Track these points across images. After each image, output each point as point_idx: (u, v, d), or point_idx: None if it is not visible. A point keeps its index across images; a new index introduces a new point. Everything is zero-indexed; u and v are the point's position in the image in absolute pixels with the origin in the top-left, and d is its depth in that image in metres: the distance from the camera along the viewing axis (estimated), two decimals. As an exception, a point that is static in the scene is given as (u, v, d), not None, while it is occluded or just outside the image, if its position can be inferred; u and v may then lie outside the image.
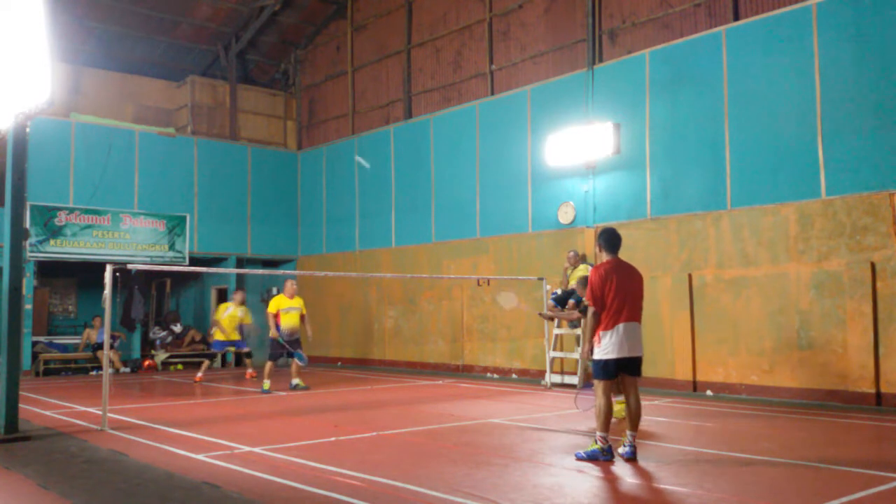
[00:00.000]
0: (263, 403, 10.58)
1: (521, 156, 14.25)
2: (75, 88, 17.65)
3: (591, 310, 6.37)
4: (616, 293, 6.31)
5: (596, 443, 6.27)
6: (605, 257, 6.63)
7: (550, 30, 14.24)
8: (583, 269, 12.57)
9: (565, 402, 10.37)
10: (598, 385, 6.38)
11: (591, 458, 6.21)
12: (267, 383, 11.94)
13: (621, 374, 6.41)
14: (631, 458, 6.23)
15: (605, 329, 6.33)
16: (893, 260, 9.54)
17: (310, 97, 20.15)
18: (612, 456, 6.22)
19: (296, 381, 12.31)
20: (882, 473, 5.75)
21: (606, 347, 6.31)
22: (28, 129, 7.85)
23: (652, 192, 12.25)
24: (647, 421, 8.53)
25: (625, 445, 6.32)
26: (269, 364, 12.21)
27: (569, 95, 13.49)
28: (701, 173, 11.64)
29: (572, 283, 12.59)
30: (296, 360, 12.21)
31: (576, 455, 6.33)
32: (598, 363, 6.40)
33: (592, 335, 6.39)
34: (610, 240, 6.60)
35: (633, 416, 6.37)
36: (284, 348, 12.23)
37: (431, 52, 16.68)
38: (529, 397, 11.03)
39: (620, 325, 6.28)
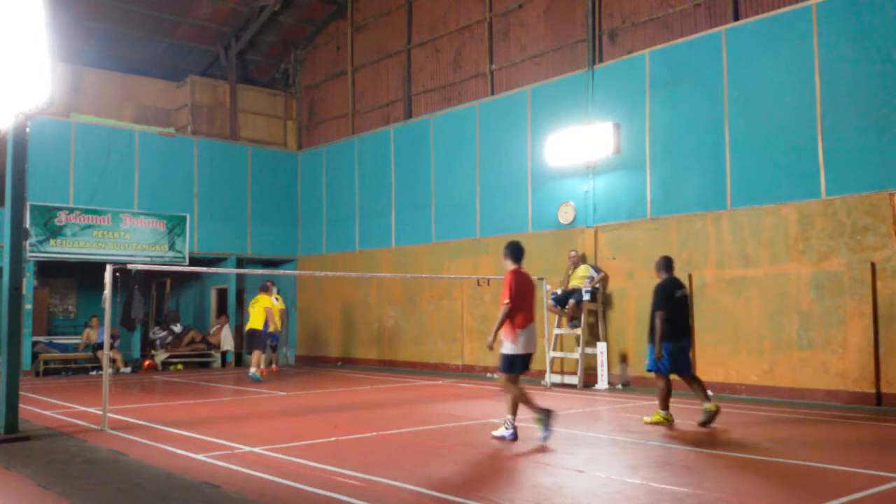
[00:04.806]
0: (263, 403, 10.58)
1: (521, 156, 14.25)
2: (75, 88, 17.65)
3: (507, 307, 7.13)
4: (526, 297, 7.23)
5: (506, 426, 7.14)
6: (510, 266, 7.41)
7: (550, 30, 14.24)
8: (583, 270, 12.61)
9: (565, 402, 10.37)
10: (510, 378, 7.20)
11: (501, 437, 7.11)
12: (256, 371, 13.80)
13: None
14: (514, 439, 7.13)
15: (521, 328, 7.13)
16: (893, 260, 9.54)
17: (310, 97, 20.15)
18: (517, 437, 7.06)
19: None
20: (882, 473, 5.75)
21: (519, 344, 7.12)
22: (28, 129, 7.85)
23: (652, 192, 12.25)
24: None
25: (508, 427, 7.20)
26: (260, 354, 14.20)
27: (569, 95, 13.49)
28: (701, 173, 11.64)
29: (573, 283, 12.63)
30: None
31: (491, 434, 7.22)
32: (508, 358, 7.18)
33: (501, 326, 7.17)
34: (516, 251, 7.46)
35: (515, 404, 7.23)
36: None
37: (431, 52, 16.68)
38: (529, 397, 11.01)
39: (530, 325, 7.19)
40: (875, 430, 8.01)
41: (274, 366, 16.56)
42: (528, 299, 7.26)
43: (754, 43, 11.11)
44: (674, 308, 8.21)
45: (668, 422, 8.16)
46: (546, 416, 6.96)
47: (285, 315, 16.87)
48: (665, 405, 8.24)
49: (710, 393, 8.50)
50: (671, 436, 7.51)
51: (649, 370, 8.40)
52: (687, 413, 9.19)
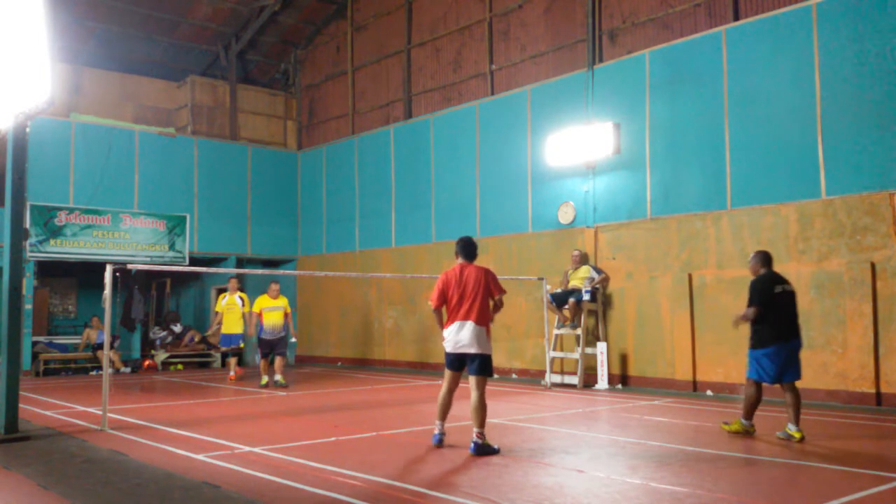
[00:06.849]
0: (263, 403, 10.58)
1: (521, 156, 14.25)
2: (75, 88, 17.64)
3: (433, 309, 7.19)
4: (452, 295, 6.98)
5: (436, 428, 7.04)
6: (457, 262, 7.21)
7: (550, 30, 14.24)
8: (585, 270, 12.61)
9: (565, 402, 10.38)
10: (446, 375, 7.10)
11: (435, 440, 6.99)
12: (265, 378, 12.98)
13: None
14: (440, 445, 6.94)
15: (445, 328, 7.07)
16: (893, 260, 9.54)
17: (310, 97, 20.15)
18: (441, 442, 6.94)
19: (278, 377, 12.91)
20: (882, 473, 5.75)
21: (446, 343, 7.06)
22: (28, 129, 7.85)
23: (652, 192, 12.25)
24: (648, 421, 8.53)
25: (436, 432, 7.04)
26: (263, 361, 13.21)
27: (569, 95, 13.49)
28: (701, 173, 11.64)
29: (574, 283, 12.63)
30: (278, 357, 13.04)
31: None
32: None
33: (440, 327, 7.16)
34: (461, 247, 7.23)
35: (470, 411, 6.84)
36: (269, 345, 13.00)
37: (431, 52, 16.68)
38: (529, 397, 11.03)
39: (456, 324, 6.94)
40: (875, 431, 8.01)
41: (234, 372, 14.26)
42: (455, 297, 6.93)
43: (754, 43, 11.11)
44: (776, 306, 7.35)
45: (747, 433, 7.51)
46: (440, 436, 6.99)
47: (248, 317, 13.99)
48: (749, 414, 7.54)
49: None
50: (670, 436, 7.51)
51: (750, 378, 7.54)
52: (689, 413, 9.19)
